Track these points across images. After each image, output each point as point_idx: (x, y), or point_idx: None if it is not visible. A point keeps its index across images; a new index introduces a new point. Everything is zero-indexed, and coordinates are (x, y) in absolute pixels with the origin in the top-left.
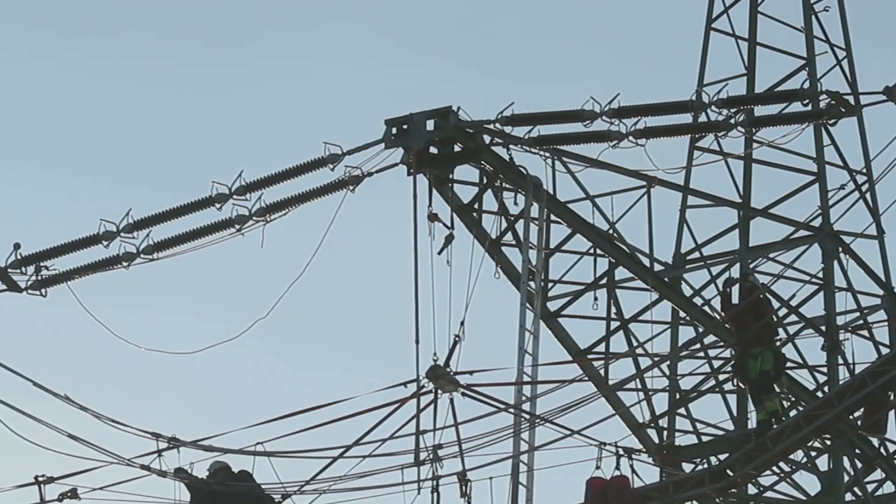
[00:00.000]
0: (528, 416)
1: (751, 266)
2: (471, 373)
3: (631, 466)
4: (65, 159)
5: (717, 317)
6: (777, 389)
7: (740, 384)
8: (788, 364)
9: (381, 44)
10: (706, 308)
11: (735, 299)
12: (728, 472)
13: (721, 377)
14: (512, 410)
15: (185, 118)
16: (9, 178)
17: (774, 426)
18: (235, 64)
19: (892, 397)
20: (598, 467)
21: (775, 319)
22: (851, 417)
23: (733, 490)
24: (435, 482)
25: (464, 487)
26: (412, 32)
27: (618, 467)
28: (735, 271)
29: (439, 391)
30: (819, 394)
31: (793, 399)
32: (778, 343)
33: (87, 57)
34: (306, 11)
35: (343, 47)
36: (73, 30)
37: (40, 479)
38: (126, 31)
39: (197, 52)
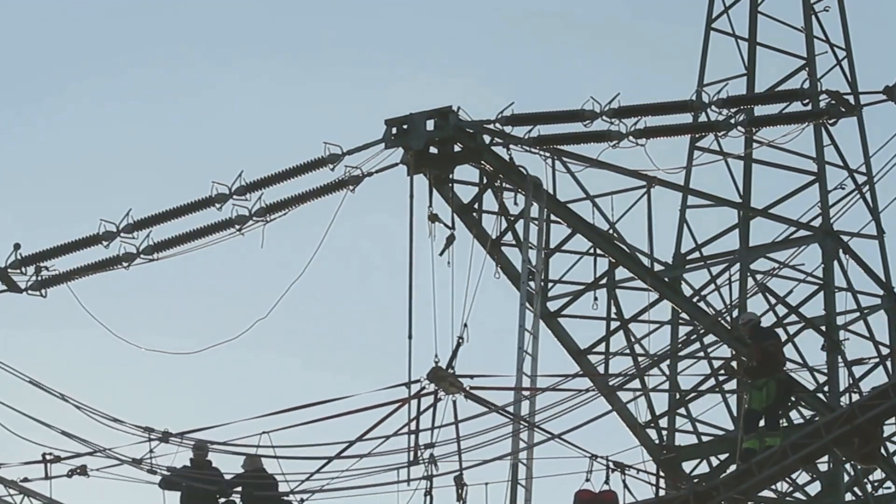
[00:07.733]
0: (526, 422)
1: (750, 266)
2: (471, 376)
3: (623, 482)
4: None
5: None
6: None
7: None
8: (789, 365)
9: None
10: (703, 305)
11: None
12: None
13: (721, 377)
14: (511, 411)
15: (185, 118)
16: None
17: (758, 455)
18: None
19: (882, 431)
20: (587, 479)
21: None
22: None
23: None
24: (429, 483)
25: (460, 490)
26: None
27: (607, 482)
28: (735, 270)
29: (442, 393)
30: (819, 395)
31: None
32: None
33: None
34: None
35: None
36: None
37: (48, 457)
38: None
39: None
